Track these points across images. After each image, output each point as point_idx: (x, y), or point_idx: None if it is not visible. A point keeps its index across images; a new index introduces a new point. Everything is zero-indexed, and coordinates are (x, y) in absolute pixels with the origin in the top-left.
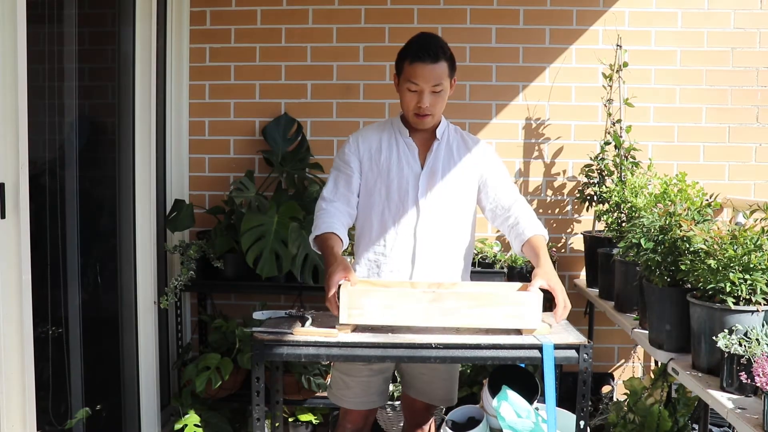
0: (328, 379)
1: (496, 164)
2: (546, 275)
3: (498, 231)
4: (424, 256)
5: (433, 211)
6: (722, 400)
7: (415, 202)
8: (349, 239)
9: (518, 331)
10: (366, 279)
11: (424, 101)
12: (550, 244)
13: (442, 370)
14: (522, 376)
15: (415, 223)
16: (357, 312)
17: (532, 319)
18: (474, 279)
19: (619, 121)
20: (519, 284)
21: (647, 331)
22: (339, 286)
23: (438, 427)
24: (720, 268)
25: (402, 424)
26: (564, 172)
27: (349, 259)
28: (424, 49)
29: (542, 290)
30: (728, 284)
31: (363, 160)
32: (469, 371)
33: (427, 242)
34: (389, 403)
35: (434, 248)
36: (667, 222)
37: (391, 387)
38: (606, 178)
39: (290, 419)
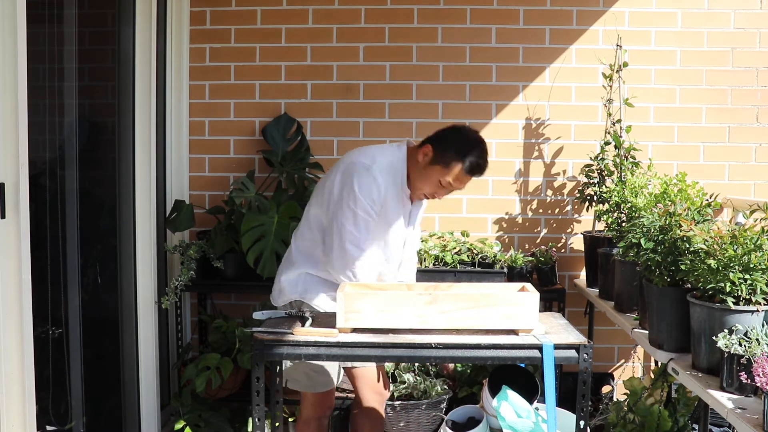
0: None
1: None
2: None
3: (498, 231)
4: None
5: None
6: (722, 400)
7: (401, 255)
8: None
9: (515, 332)
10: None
11: (440, 196)
12: (550, 244)
13: None
14: (522, 376)
15: (397, 268)
16: (354, 315)
17: (528, 320)
18: (474, 279)
19: (619, 121)
20: (516, 285)
21: (647, 331)
22: None
23: (437, 427)
24: (720, 268)
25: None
26: (564, 172)
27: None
28: (482, 168)
29: None
30: (728, 284)
31: (385, 210)
32: (469, 371)
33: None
34: (389, 403)
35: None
36: (667, 222)
37: (390, 387)
38: (606, 178)
39: (290, 419)
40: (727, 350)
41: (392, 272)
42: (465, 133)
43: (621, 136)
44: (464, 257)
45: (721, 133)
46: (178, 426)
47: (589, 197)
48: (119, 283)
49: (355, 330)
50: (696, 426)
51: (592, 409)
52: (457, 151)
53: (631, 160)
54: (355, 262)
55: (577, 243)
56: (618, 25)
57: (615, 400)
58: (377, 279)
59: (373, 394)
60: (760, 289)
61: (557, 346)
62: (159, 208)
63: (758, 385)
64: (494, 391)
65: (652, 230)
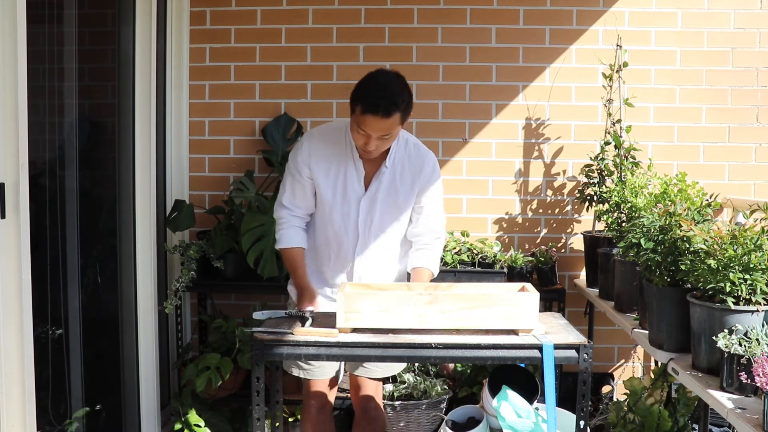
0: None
1: (431, 184)
2: None
3: (498, 231)
4: (362, 276)
5: (372, 235)
6: (722, 400)
7: (355, 226)
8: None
9: (515, 332)
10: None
11: (370, 146)
12: (550, 244)
13: None
14: (522, 376)
15: (354, 245)
16: (354, 315)
17: (528, 320)
18: (474, 279)
19: (619, 121)
20: (516, 285)
21: (647, 331)
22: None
23: (437, 427)
24: (720, 268)
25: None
26: (564, 172)
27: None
28: (377, 103)
29: None
30: (728, 284)
31: (314, 172)
32: (469, 371)
33: (365, 263)
34: (389, 403)
35: (371, 268)
36: (667, 222)
37: (390, 387)
38: (606, 178)
39: (290, 419)
40: (727, 350)
41: (350, 237)
42: (368, 75)
43: (621, 136)
44: (464, 257)
45: (721, 133)
46: (178, 426)
47: (589, 197)
48: (119, 282)
49: (355, 330)
50: (696, 426)
51: (592, 409)
52: (355, 92)
53: (631, 160)
54: (275, 215)
55: (577, 243)
56: (618, 25)
57: (615, 400)
58: (326, 239)
59: (378, 399)
60: (760, 289)
61: (557, 346)
62: (159, 208)
63: (758, 385)
64: (494, 391)
65: (652, 230)
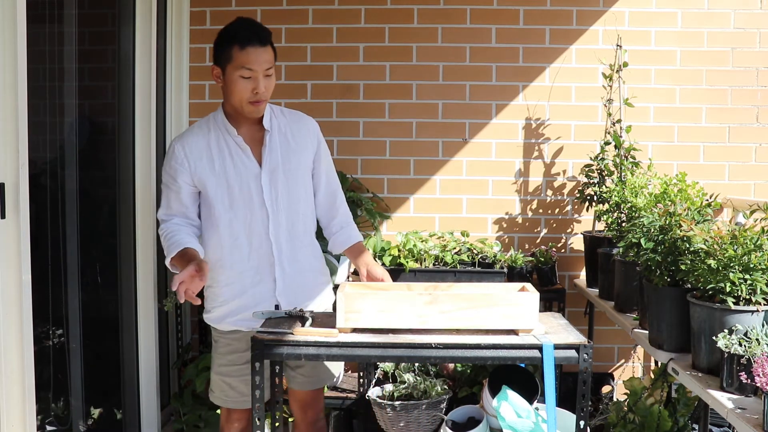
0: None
1: (324, 147)
2: (367, 263)
3: (498, 231)
4: (285, 255)
5: (282, 207)
6: (722, 400)
7: (261, 205)
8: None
9: (515, 332)
10: (226, 299)
11: (260, 86)
12: (550, 244)
13: None
14: (522, 376)
15: (267, 226)
16: (354, 315)
17: (528, 320)
18: (474, 279)
19: (619, 121)
20: (516, 285)
21: (647, 331)
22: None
23: (438, 427)
24: (720, 268)
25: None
26: (564, 172)
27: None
28: (255, 33)
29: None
30: (728, 284)
31: (195, 172)
32: (469, 371)
33: (284, 241)
34: (389, 403)
35: (293, 244)
36: (667, 222)
37: (390, 387)
38: (606, 178)
39: (290, 419)
40: (727, 350)
41: (259, 219)
42: (225, 26)
43: (621, 136)
44: (464, 257)
45: (721, 133)
46: (178, 426)
47: (589, 197)
48: (119, 283)
49: (355, 330)
50: (696, 426)
51: (592, 409)
52: (224, 39)
53: (631, 160)
54: (158, 231)
55: (577, 243)
56: (618, 25)
57: (615, 400)
58: (234, 236)
59: (320, 409)
60: (760, 289)
61: (557, 346)
62: None
63: (758, 385)
64: (494, 391)
65: (652, 230)
